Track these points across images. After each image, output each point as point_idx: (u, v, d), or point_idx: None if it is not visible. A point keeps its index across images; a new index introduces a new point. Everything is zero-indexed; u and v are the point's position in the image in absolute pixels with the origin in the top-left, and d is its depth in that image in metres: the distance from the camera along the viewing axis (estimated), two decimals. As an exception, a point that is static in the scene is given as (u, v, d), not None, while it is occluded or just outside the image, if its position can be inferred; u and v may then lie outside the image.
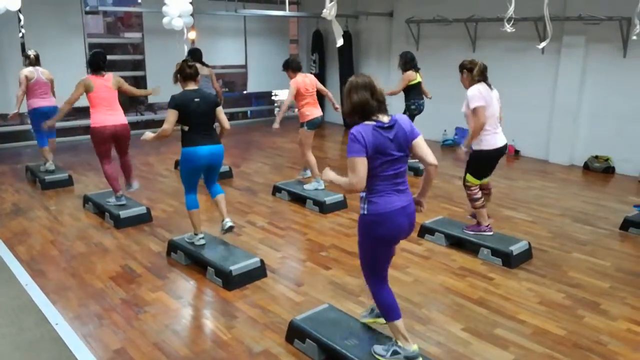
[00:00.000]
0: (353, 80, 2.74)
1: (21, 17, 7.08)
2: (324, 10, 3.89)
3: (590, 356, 3.14)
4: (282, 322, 3.44)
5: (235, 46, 10.99)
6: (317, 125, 5.99)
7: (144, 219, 5.33)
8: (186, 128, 4.19)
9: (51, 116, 6.19)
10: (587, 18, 7.06)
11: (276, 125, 6.03)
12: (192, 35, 10.28)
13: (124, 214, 5.21)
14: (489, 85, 4.44)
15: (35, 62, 6.51)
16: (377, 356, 2.89)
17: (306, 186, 6.07)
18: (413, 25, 9.42)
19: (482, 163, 4.54)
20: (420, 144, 2.74)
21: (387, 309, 2.89)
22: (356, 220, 5.54)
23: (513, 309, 3.68)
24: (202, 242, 4.44)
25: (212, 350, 3.21)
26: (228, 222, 4.43)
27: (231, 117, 13.12)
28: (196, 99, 4.14)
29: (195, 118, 4.15)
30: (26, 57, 6.59)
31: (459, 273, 4.25)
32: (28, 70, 6.43)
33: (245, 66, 11.18)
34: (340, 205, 5.77)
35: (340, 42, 4.03)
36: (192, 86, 4.23)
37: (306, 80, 5.90)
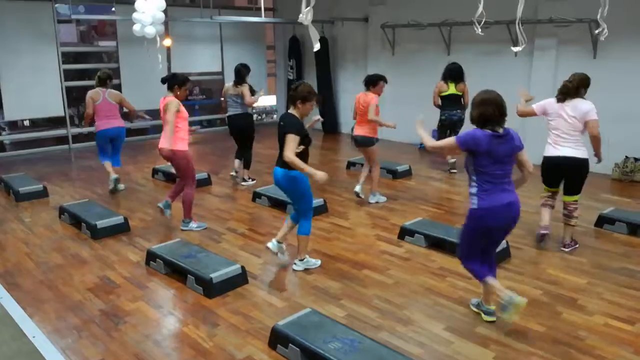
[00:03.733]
0: (485, 96, 3.24)
1: None
2: (300, 16, 3.89)
3: (569, 351, 3.20)
4: (265, 328, 3.42)
5: (212, 53, 10.96)
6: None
7: (121, 228, 5.26)
8: None
9: (116, 138, 6.47)
10: (558, 20, 7.22)
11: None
12: (167, 42, 10.19)
13: (100, 224, 5.14)
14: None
15: (101, 83, 6.42)
16: None
17: None
18: (388, 30, 9.51)
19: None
20: (522, 154, 3.40)
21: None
22: (337, 225, 5.53)
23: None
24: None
25: (194, 359, 3.18)
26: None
27: (208, 123, 13.07)
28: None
29: None
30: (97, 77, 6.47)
31: (439, 273, 4.29)
32: (94, 92, 6.38)
33: (222, 73, 11.14)
34: (321, 210, 5.78)
35: (317, 46, 4.05)
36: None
37: None
